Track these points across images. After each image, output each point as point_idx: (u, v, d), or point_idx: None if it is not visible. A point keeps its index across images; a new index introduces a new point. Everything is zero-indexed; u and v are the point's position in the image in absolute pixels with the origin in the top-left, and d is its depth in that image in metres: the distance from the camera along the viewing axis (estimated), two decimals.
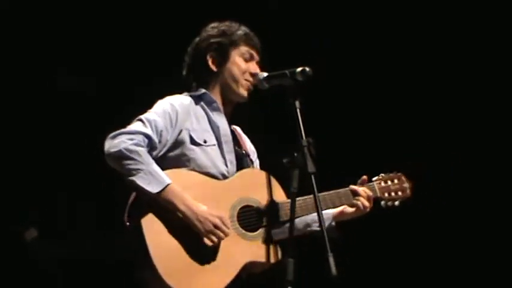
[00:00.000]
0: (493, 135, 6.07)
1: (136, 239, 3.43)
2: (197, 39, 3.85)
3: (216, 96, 3.77)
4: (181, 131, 3.63)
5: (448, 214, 6.02)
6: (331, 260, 3.19)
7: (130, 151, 3.44)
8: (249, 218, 3.60)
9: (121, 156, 3.44)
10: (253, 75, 3.74)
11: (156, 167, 3.46)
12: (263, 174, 3.71)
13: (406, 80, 6.07)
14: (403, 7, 5.98)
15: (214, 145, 3.68)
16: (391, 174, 4.00)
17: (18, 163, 5.66)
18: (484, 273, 6.00)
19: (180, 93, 3.81)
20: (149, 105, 3.74)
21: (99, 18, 5.78)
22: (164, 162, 3.58)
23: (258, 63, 3.81)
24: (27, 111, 5.71)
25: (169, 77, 5.76)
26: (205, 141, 3.66)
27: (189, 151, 3.62)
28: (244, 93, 3.77)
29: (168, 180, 3.45)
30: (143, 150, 3.47)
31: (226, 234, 3.49)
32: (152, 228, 3.43)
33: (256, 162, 3.92)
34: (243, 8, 5.70)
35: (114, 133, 3.51)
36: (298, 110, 3.37)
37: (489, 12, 5.95)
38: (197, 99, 3.74)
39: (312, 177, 3.29)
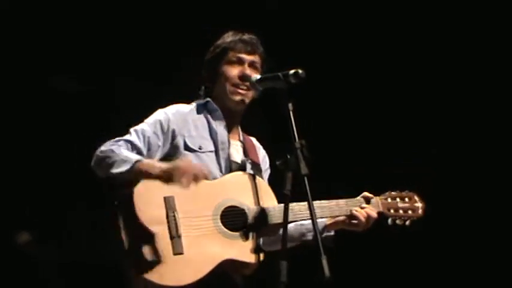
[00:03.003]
0: (492, 136, 6.07)
1: (125, 208, 3.48)
2: None
3: (218, 105, 3.86)
4: (176, 136, 3.73)
5: (445, 217, 6.02)
6: (325, 262, 3.19)
7: (104, 151, 3.56)
8: (233, 218, 3.62)
9: (97, 159, 3.58)
10: (241, 77, 3.79)
11: (127, 153, 3.55)
12: (253, 178, 3.74)
13: (403, 82, 6.07)
14: (400, 8, 5.98)
15: (211, 152, 3.77)
16: (402, 193, 3.95)
17: (17, 164, 5.67)
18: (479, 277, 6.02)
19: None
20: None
21: (99, 19, 5.79)
22: None
23: (251, 64, 3.84)
24: (26, 111, 5.72)
25: (169, 77, 5.78)
26: (200, 148, 3.74)
27: (183, 156, 3.69)
28: (233, 98, 3.82)
29: (136, 157, 3.54)
30: (117, 147, 3.56)
31: (205, 175, 3.51)
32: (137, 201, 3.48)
33: (266, 173, 3.96)
34: (242, 8, 5.71)
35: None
36: (291, 112, 3.36)
37: (482, 12, 5.95)
38: (201, 108, 3.87)
39: (305, 179, 3.28)
